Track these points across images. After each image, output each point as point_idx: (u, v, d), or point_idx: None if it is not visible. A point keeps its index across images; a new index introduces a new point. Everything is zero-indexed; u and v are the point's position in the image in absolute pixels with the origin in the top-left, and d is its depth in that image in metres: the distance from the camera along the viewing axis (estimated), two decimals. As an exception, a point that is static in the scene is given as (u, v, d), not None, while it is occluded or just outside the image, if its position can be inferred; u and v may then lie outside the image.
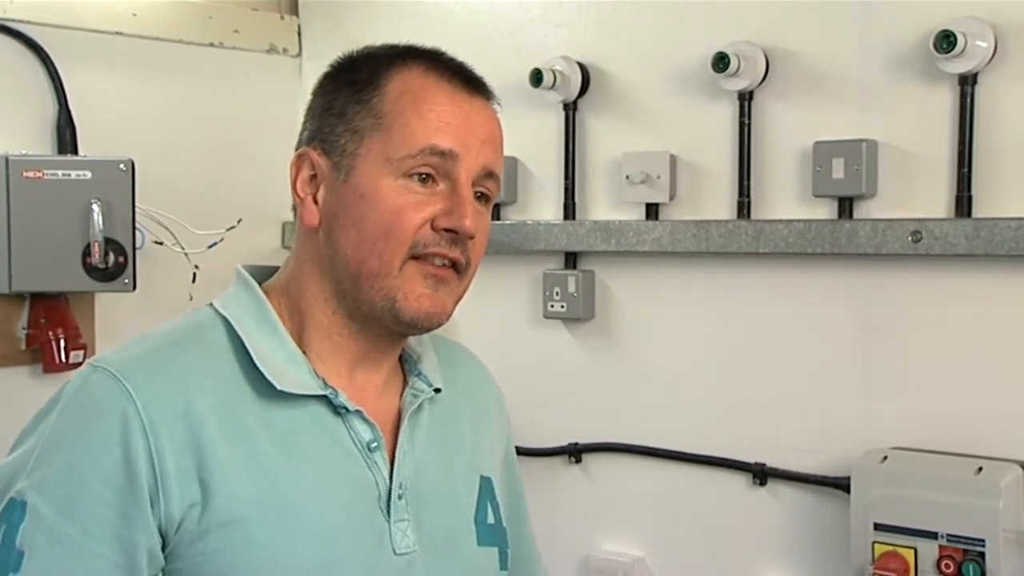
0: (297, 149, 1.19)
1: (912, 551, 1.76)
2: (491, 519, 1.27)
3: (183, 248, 2.24)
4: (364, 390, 1.19)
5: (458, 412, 1.29)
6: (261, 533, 1.07)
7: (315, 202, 1.16)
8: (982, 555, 1.70)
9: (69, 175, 2.06)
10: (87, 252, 2.06)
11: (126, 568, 1.05)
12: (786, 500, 2.02)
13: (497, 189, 1.19)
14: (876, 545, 1.79)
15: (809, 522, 1.99)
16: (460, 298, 1.19)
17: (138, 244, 2.14)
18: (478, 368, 1.41)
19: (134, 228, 2.12)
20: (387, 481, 1.16)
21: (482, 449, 1.31)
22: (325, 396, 1.14)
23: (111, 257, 2.08)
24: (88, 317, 2.20)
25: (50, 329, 2.11)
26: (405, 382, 1.24)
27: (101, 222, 2.05)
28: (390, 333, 1.18)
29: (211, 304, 1.18)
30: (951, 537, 1.72)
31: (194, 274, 2.22)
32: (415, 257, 1.13)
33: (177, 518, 1.06)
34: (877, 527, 1.79)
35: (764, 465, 2.03)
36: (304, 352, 1.16)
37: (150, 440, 1.04)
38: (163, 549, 1.07)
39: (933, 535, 1.74)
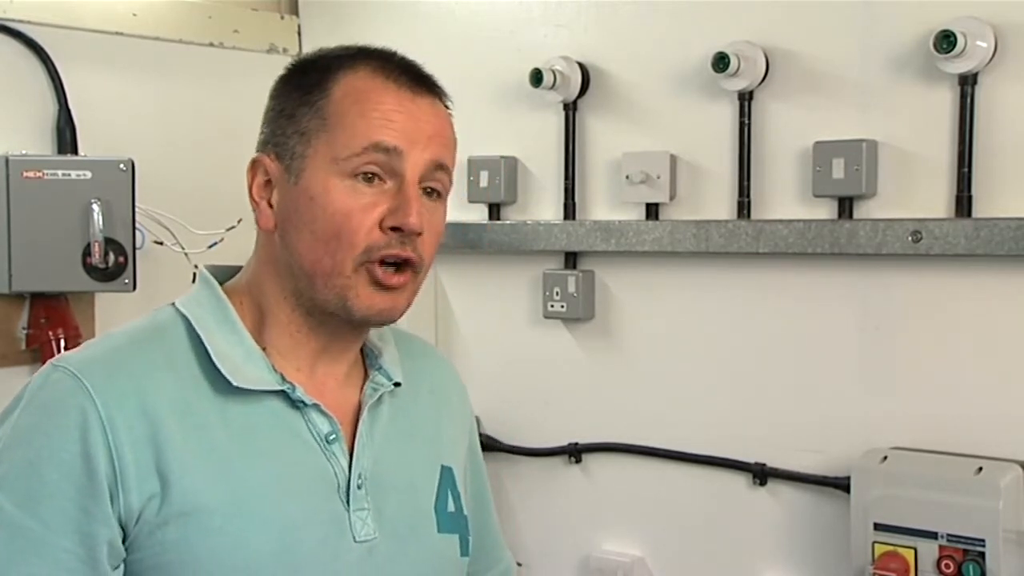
0: (255, 154, 1.22)
1: (912, 551, 1.76)
2: (451, 507, 1.30)
3: (183, 248, 2.24)
4: (324, 384, 1.22)
5: (419, 404, 1.31)
6: (218, 523, 1.11)
7: (270, 206, 1.19)
8: (982, 555, 1.70)
9: (69, 175, 2.06)
10: (87, 252, 2.06)
11: (87, 560, 1.07)
12: (786, 500, 2.02)
13: (449, 182, 1.21)
14: (876, 545, 1.79)
15: (809, 522, 1.99)
16: (415, 294, 1.21)
17: (138, 244, 2.14)
18: (440, 362, 1.44)
19: (134, 228, 2.11)
20: (346, 471, 1.19)
21: (443, 440, 1.34)
22: (283, 391, 1.17)
23: (111, 257, 2.08)
24: (88, 317, 2.20)
25: (50, 329, 2.11)
26: (366, 375, 1.27)
27: (101, 222, 2.05)
28: (349, 327, 1.21)
29: (173, 303, 1.22)
30: (951, 537, 1.73)
31: (194, 274, 2.21)
32: (368, 262, 1.15)
33: (136, 510, 1.09)
34: (877, 527, 1.79)
35: (764, 465, 2.03)
36: (264, 348, 1.19)
37: (109, 436, 1.08)
38: (124, 541, 1.10)
39: (933, 535, 1.74)
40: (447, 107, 1.22)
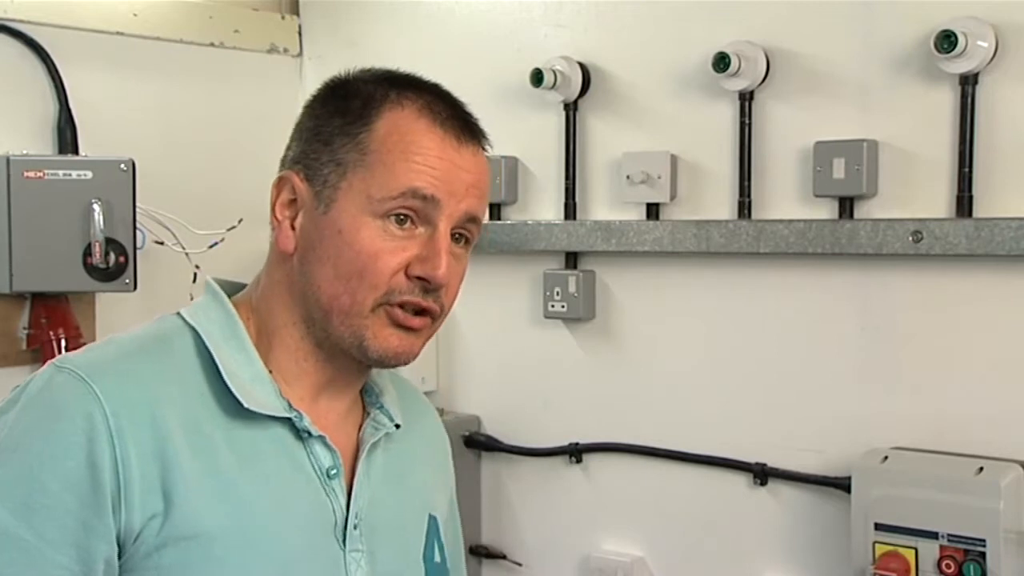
0: (281, 167, 1.18)
1: (913, 551, 1.76)
2: (437, 558, 1.27)
3: (184, 248, 2.24)
4: (326, 417, 1.18)
5: (412, 449, 1.28)
6: (219, 551, 1.06)
7: (292, 227, 1.15)
8: (983, 555, 1.70)
9: (70, 175, 2.06)
10: (88, 252, 2.06)
11: None
12: (787, 500, 2.02)
13: (478, 232, 1.18)
14: (877, 545, 1.79)
15: (810, 522, 1.99)
16: (430, 338, 1.18)
17: (139, 244, 2.14)
18: (429, 411, 1.40)
19: (135, 228, 2.11)
20: (344, 510, 1.15)
21: (430, 489, 1.31)
22: (289, 419, 1.13)
23: (112, 257, 2.08)
24: (89, 317, 2.20)
25: (51, 329, 2.11)
26: (364, 414, 1.24)
27: (102, 222, 2.05)
28: (357, 364, 1.17)
29: (179, 313, 1.16)
30: (952, 537, 1.73)
31: (195, 274, 2.22)
32: (388, 304, 1.12)
33: (137, 528, 1.03)
34: (878, 527, 1.79)
35: (765, 465, 2.03)
36: (271, 372, 1.15)
37: (116, 446, 1.02)
38: (119, 558, 1.04)
39: (934, 535, 1.74)
40: (486, 151, 1.19)
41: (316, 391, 1.17)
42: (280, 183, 1.16)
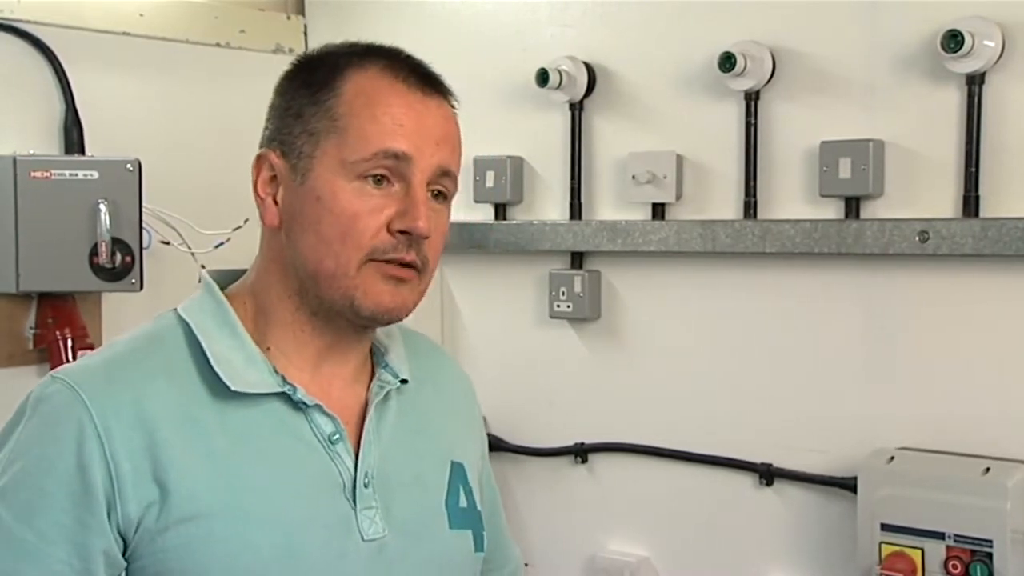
0: (259, 148, 1.22)
1: (919, 551, 1.75)
2: (463, 503, 1.29)
3: (190, 248, 2.24)
4: (331, 383, 1.22)
5: (426, 401, 1.31)
6: (220, 527, 1.11)
7: (275, 203, 1.19)
8: (989, 556, 1.70)
9: (76, 175, 2.06)
10: (94, 252, 2.06)
11: (81, 571, 1.08)
12: (792, 500, 2.02)
13: (454, 186, 1.21)
14: (883, 545, 1.79)
15: (815, 522, 1.99)
16: (422, 295, 1.21)
17: (145, 244, 2.14)
18: (447, 361, 1.44)
19: (141, 228, 2.12)
20: (351, 471, 1.19)
21: (452, 436, 1.34)
22: (284, 393, 1.17)
23: (118, 257, 2.08)
24: (95, 317, 2.21)
25: (57, 329, 2.11)
26: (373, 374, 1.27)
27: (108, 222, 2.05)
28: (354, 326, 1.21)
29: (175, 309, 1.22)
30: (958, 537, 1.72)
31: (200, 276, 2.22)
32: (373, 260, 1.15)
33: (135, 519, 1.09)
34: (884, 527, 1.79)
35: (770, 465, 2.03)
36: (268, 349, 1.19)
37: (105, 447, 1.09)
38: (125, 550, 1.11)
39: (940, 535, 1.74)
40: (453, 107, 1.22)
41: (318, 359, 1.21)
42: (259, 162, 1.21)
